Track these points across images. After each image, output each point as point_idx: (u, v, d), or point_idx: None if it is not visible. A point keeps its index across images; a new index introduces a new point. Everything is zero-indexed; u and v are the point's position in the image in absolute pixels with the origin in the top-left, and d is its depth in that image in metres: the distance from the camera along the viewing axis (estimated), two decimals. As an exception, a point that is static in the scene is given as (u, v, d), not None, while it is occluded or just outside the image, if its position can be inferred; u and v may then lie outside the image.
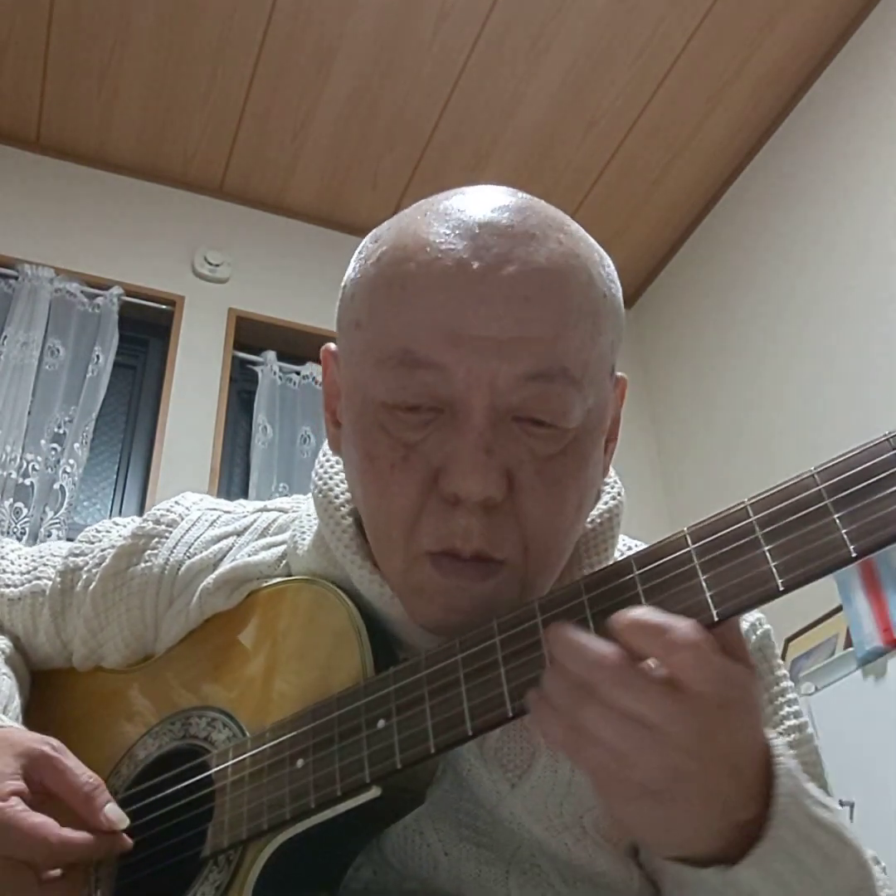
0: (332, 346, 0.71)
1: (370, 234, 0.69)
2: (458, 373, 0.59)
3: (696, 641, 0.49)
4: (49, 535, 2.40)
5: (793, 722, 0.72)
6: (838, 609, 2.31)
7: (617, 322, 0.67)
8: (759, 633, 0.74)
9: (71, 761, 0.68)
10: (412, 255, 0.61)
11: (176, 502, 0.85)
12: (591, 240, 0.67)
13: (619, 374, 0.71)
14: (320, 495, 0.74)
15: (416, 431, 0.61)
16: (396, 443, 0.61)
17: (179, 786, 0.70)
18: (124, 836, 0.66)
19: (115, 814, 0.66)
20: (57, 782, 0.67)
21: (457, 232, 0.61)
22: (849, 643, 2.25)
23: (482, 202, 0.63)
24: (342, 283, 0.69)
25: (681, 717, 0.49)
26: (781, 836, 0.53)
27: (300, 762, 0.62)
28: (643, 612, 0.50)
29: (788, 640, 2.46)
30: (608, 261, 0.68)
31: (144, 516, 0.85)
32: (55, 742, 0.69)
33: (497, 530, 0.60)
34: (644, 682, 0.49)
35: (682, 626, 0.49)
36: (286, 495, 0.89)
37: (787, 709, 0.73)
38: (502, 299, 0.59)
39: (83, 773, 0.68)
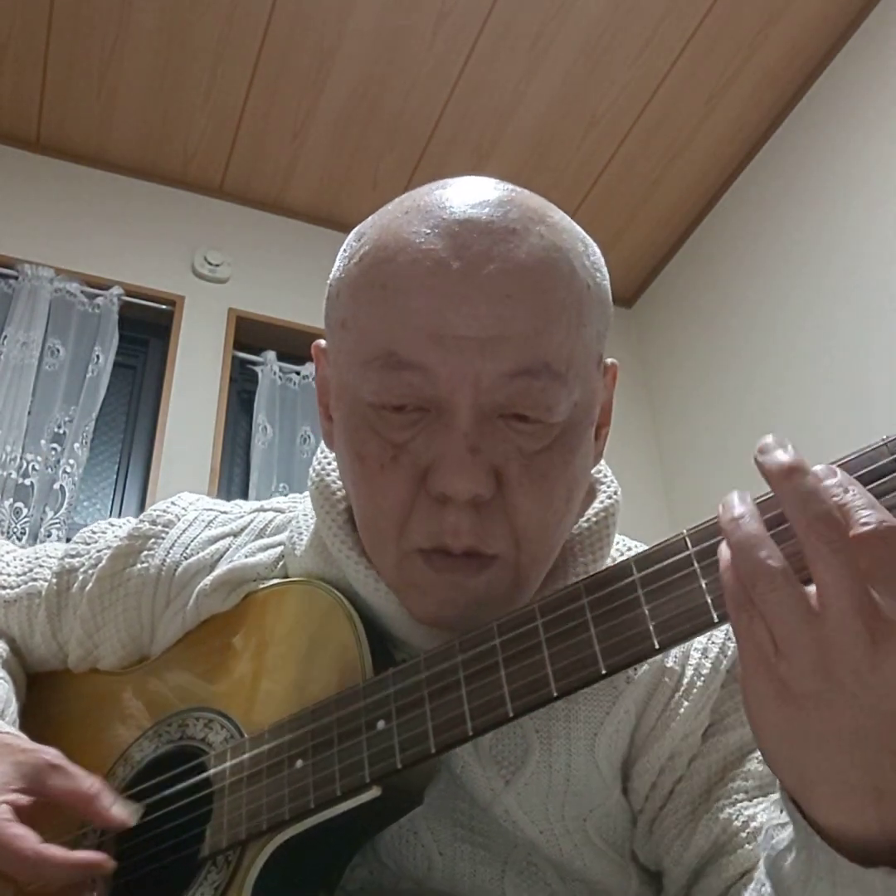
0: (323, 342, 0.72)
1: (354, 231, 0.69)
2: (441, 373, 0.59)
3: None
4: (49, 535, 2.40)
5: None
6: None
7: (603, 311, 0.66)
8: None
9: (72, 767, 0.68)
10: (393, 256, 0.61)
11: (172, 503, 0.85)
12: (576, 229, 0.66)
13: (609, 360, 0.70)
14: (317, 491, 0.74)
15: (404, 431, 0.61)
16: (385, 443, 0.62)
17: (177, 787, 0.70)
18: (104, 862, 0.65)
19: (124, 812, 0.68)
20: (64, 787, 0.67)
21: (437, 231, 0.61)
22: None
23: (463, 197, 0.62)
24: (328, 281, 0.69)
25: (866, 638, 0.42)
26: None
27: (299, 763, 0.62)
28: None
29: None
30: (594, 249, 0.67)
31: (140, 517, 0.84)
32: (53, 750, 0.69)
33: (487, 526, 0.61)
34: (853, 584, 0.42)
35: None
36: (286, 495, 0.89)
37: None
38: (483, 298, 0.59)
39: (87, 777, 0.68)
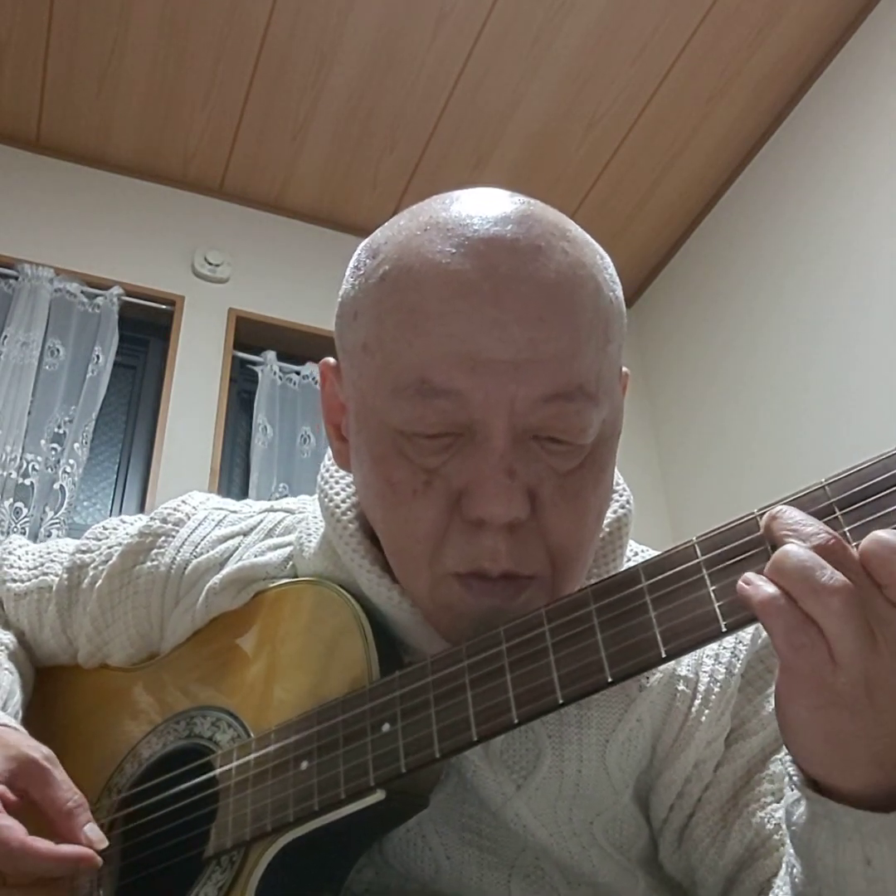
0: (331, 360, 0.70)
1: (365, 247, 0.66)
2: (476, 398, 0.58)
3: None
4: (49, 535, 2.39)
5: None
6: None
7: (622, 324, 0.66)
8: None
9: (59, 775, 0.67)
10: (419, 279, 0.60)
11: (183, 501, 0.85)
12: (591, 240, 0.66)
13: (623, 369, 0.70)
14: (325, 498, 0.74)
15: (437, 456, 0.60)
16: (417, 468, 0.60)
17: (183, 785, 0.70)
18: (90, 857, 0.64)
19: (94, 834, 0.65)
20: (41, 794, 0.66)
21: (462, 250, 0.59)
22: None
23: (483, 212, 0.61)
24: (339, 298, 0.67)
25: None
26: None
27: (304, 764, 0.62)
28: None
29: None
30: (608, 260, 0.67)
31: (151, 515, 0.85)
32: (47, 751, 0.68)
33: (523, 548, 0.60)
34: None
35: None
36: (286, 495, 0.89)
37: None
38: (515, 321, 0.58)
39: (68, 789, 0.67)
